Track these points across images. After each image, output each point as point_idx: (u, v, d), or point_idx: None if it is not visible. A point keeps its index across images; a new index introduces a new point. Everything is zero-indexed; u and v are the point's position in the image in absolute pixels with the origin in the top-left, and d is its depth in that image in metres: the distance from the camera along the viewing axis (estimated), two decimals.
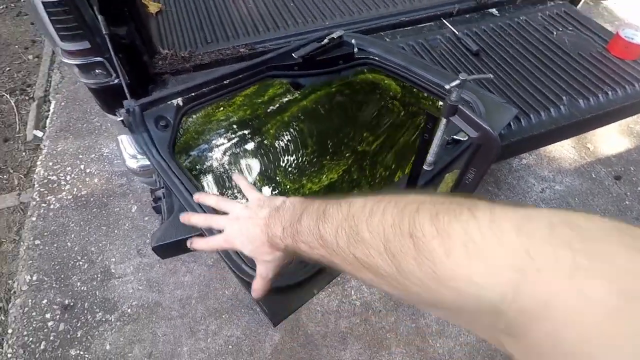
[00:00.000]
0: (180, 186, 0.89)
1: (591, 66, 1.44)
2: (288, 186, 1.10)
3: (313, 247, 0.47)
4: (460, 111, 0.74)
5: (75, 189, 2.19)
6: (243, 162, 1.14)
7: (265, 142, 1.18)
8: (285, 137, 1.20)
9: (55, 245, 1.97)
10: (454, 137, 0.99)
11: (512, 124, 1.20)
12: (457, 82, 0.66)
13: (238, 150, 1.15)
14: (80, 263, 1.92)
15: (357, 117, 1.28)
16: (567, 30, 1.61)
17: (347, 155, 1.18)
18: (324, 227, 0.44)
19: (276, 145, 1.18)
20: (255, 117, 1.20)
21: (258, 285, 0.61)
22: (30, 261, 1.91)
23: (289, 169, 1.14)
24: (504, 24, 1.64)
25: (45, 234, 2.01)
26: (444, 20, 1.66)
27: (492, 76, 0.91)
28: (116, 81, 1.10)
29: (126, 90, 1.00)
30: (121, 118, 0.93)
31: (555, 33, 1.59)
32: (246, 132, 1.18)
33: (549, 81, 1.38)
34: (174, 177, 0.91)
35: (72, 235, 2.01)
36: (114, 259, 1.94)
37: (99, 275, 1.89)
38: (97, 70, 1.05)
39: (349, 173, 1.14)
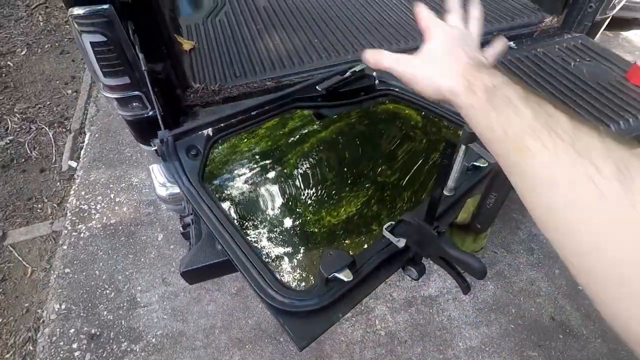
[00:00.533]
0: (209, 213, 0.93)
1: (611, 94, 1.44)
2: (309, 217, 1.11)
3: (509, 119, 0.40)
4: (478, 138, 0.76)
5: (104, 218, 2.27)
6: (265, 192, 1.17)
7: (286, 172, 1.22)
8: (305, 168, 1.23)
9: (84, 273, 2.03)
10: (474, 163, 1.01)
11: None
12: None
13: (260, 180, 1.19)
14: (108, 291, 1.97)
15: (377, 147, 1.30)
16: (585, 61, 1.63)
17: (367, 185, 1.19)
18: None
19: (296, 176, 1.21)
20: (276, 149, 1.25)
21: (379, 55, 0.59)
22: (60, 290, 1.97)
23: (309, 201, 1.16)
24: (522, 56, 1.67)
25: (75, 262, 2.07)
26: None
27: None
28: (151, 113, 1.18)
29: (160, 122, 1.07)
30: (155, 148, 0.99)
31: (573, 64, 1.61)
32: (268, 163, 1.22)
33: (568, 109, 1.38)
34: (202, 204, 0.95)
35: (101, 264, 2.07)
36: (139, 288, 1.98)
37: (125, 304, 1.92)
38: (134, 104, 1.13)
39: (368, 206, 1.15)
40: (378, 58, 0.59)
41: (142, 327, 1.85)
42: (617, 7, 1.74)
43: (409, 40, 1.76)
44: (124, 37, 0.97)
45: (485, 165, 1.00)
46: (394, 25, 1.87)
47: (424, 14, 0.61)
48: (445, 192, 0.97)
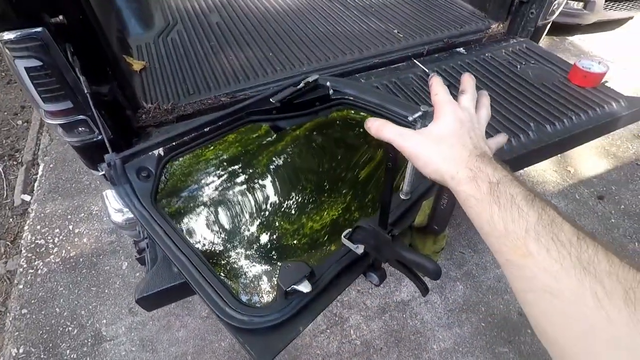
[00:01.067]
0: (164, 235, 0.90)
1: (555, 95, 1.52)
2: (287, 228, 1.09)
3: (503, 212, 0.41)
4: None
5: (63, 251, 2.16)
6: (235, 203, 1.14)
7: (258, 180, 1.19)
8: (279, 175, 1.21)
9: (43, 312, 1.92)
10: None
11: None
12: (420, 113, 0.70)
13: (229, 190, 1.16)
14: (70, 329, 1.87)
15: (347, 153, 1.30)
16: (530, 64, 1.71)
17: (344, 192, 1.18)
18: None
19: (270, 185, 1.19)
20: (246, 153, 1.22)
21: (382, 125, 0.58)
22: (17, 332, 1.85)
23: (286, 210, 1.14)
24: (471, 61, 1.73)
25: (33, 301, 1.96)
26: (415, 61, 1.76)
27: None
28: (99, 137, 1.13)
29: (108, 145, 1.03)
30: (103, 172, 0.95)
31: (519, 67, 1.69)
32: (238, 171, 1.19)
33: (517, 110, 1.44)
34: (156, 226, 0.91)
35: (61, 300, 1.97)
36: (105, 321, 1.89)
37: (89, 340, 1.82)
38: (80, 128, 1.09)
39: (349, 210, 1.14)
40: (381, 128, 0.58)
41: None
42: (557, 13, 1.85)
43: (363, 50, 1.79)
44: (62, 61, 0.93)
45: None
46: (347, 36, 1.91)
47: (438, 89, 0.60)
48: (402, 196, 0.98)
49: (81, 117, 1.05)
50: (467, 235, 2.17)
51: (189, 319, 1.88)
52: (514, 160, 1.29)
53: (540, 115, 1.42)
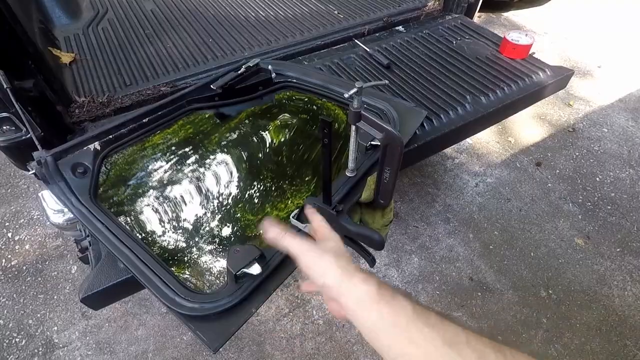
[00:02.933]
0: (105, 231, 0.87)
1: (488, 67, 1.59)
2: (249, 219, 1.08)
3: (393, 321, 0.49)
4: (364, 117, 0.79)
5: (3, 260, 2.03)
6: (185, 191, 1.10)
7: (208, 166, 1.15)
8: (230, 161, 1.18)
9: None
10: (372, 143, 1.05)
11: (425, 124, 1.29)
12: (355, 90, 0.72)
13: (178, 177, 1.11)
14: (17, 340, 1.77)
15: (296, 136, 1.29)
16: (465, 39, 1.78)
17: (307, 179, 1.18)
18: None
19: (221, 171, 1.15)
20: (194, 139, 1.18)
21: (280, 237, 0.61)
22: None
23: (249, 199, 1.12)
24: (410, 38, 1.77)
25: None
26: (356, 41, 1.77)
27: (387, 82, 0.99)
28: (28, 135, 1.06)
29: (37, 143, 0.97)
30: (33, 171, 0.90)
31: (454, 42, 1.75)
32: (187, 157, 1.14)
33: (454, 84, 1.50)
34: (97, 222, 0.88)
35: (5, 312, 1.85)
36: (56, 328, 1.80)
37: (40, 349, 1.74)
38: (4, 127, 1.02)
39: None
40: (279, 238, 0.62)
41: None
42: None
43: (304, 32, 1.79)
44: None
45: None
46: (289, 19, 1.89)
47: (314, 217, 0.67)
48: (347, 174, 1.00)
49: (3, 114, 0.98)
50: (419, 210, 2.26)
51: (148, 316, 1.84)
52: (454, 131, 1.35)
53: (475, 87, 1.49)
